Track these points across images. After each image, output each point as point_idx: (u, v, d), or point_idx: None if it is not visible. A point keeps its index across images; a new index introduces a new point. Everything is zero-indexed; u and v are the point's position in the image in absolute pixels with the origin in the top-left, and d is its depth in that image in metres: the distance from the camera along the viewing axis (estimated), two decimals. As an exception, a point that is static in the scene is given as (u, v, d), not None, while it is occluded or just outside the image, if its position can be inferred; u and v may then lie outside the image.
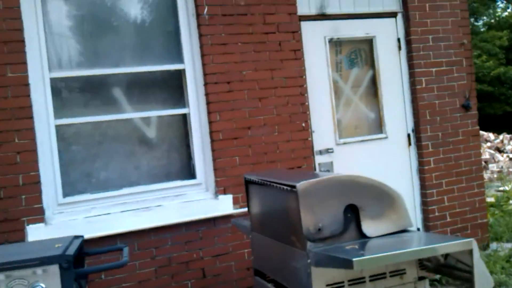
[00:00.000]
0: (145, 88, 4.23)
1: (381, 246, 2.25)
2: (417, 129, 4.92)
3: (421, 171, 4.93)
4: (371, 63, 4.87)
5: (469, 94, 5.07)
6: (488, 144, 14.75)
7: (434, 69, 4.95)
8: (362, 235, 2.39)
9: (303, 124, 4.44)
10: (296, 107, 4.42)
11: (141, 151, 4.23)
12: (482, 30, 27.12)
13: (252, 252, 3.32)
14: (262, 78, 4.32)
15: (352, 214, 2.38)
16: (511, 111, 27.37)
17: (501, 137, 15.36)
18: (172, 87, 4.29)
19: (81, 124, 4.05)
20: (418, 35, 4.89)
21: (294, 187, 2.36)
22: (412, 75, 4.90)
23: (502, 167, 13.70)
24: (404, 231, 2.46)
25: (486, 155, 14.21)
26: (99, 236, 3.83)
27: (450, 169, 4.98)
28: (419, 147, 4.92)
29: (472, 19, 28.98)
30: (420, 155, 4.92)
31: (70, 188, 3.99)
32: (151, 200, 4.11)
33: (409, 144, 4.94)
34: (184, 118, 4.28)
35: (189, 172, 4.29)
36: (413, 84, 4.90)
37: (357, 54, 4.84)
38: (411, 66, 4.91)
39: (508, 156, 14.18)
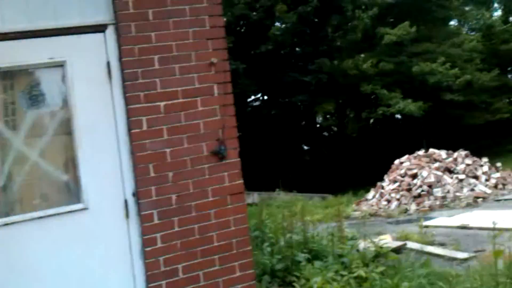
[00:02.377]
0: None
1: None
2: (138, 193, 3.37)
3: (145, 255, 3.36)
4: (66, 99, 3.35)
5: (224, 136, 3.52)
6: (437, 164, 12.98)
7: (162, 103, 3.41)
8: None
9: None
10: None
11: None
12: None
13: None
14: None
15: None
16: (492, 120, 25.68)
17: (455, 154, 13.54)
18: None
19: None
20: (134, 56, 3.36)
21: None
22: (129, 114, 3.38)
23: (448, 192, 11.97)
24: None
25: (431, 178, 12.48)
26: None
27: (192, 248, 3.41)
28: (141, 218, 3.37)
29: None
30: (143, 231, 3.36)
31: None
32: None
33: (127, 215, 3.39)
34: None
35: None
36: (130, 126, 3.37)
37: (43, 89, 3.33)
38: (127, 101, 3.38)
39: (457, 178, 12.41)
